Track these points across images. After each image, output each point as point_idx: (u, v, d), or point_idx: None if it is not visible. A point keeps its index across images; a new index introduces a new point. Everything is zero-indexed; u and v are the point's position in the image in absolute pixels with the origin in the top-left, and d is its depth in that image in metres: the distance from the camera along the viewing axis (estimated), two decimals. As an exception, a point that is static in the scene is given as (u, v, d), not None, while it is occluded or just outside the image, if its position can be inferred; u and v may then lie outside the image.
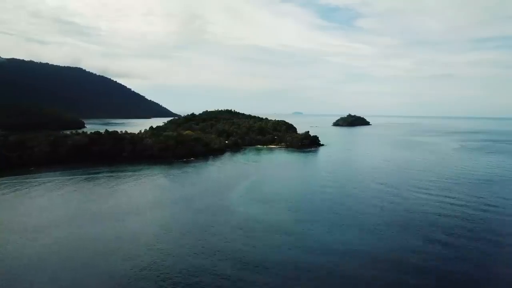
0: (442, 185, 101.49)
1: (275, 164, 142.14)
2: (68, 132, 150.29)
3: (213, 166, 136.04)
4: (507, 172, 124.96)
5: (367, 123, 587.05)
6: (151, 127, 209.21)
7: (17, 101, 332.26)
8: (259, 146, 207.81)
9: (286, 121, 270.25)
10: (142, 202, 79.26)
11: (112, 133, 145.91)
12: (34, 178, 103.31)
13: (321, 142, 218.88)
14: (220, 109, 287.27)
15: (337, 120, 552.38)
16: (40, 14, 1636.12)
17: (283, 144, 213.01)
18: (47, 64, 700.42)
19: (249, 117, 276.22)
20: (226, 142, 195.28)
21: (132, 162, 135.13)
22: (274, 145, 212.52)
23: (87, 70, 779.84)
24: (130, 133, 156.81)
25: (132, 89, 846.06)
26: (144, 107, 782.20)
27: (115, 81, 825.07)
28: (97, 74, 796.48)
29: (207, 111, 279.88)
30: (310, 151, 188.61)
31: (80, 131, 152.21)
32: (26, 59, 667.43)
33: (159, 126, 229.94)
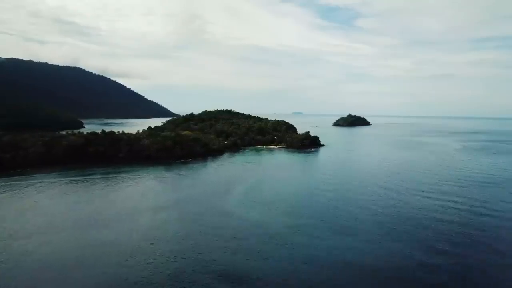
0: (445, 188, 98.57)
1: (275, 165, 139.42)
2: (63, 132, 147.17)
3: (211, 168, 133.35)
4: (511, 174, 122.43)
5: (368, 123, 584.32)
6: (149, 127, 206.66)
7: (16, 100, 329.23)
8: (258, 146, 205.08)
9: (286, 121, 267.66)
10: (136, 206, 76.47)
11: (109, 134, 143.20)
12: (28, 180, 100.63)
13: (322, 143, 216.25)
14: (219, 109, 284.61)
15: (337, 120, 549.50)
16: (39, 14, 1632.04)
17: (283, 144, 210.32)
18: (46, 63, 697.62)
19: (249, 117, 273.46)
20: (225, 142, 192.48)
21: (129, 163, 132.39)
22: (274, 145, 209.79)
23: (86, 70, 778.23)
24: (127, 133, 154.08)
25: (132, 89, 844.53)
26: (143, 107, 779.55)
27: (115, 81, 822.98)
28: (97, 74, 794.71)
29: (206, 111, 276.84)
30: (310, 152, 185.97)
31: (76, 131, 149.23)
32: (25, 58, 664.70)
33: (158, 126, 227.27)
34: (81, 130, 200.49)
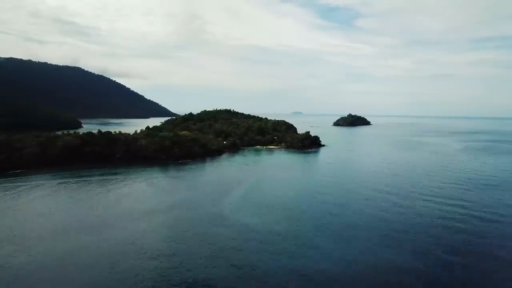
0: (448, 191, 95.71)
1: (274, 166, 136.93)
2: (59, 132, 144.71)
3: (210, 168, 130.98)
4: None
5: (368, 123, 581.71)
6: (147, 127, 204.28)
7: (15, 100, 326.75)
8: (258, 146, 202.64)
9: (286, 121, 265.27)
10: (129, 210, 73.98)
11: (105, 134, 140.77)
12: (22, 181, 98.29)
13: (322, 143, 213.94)
14: (219, 108, 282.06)
15: (338, 120, 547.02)
16: (39, 14, 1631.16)
17: (283, 144, 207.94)
18: (45, 63, 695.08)
19: (248, 117, 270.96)
20: (224, 142, 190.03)
21: (125, 164, 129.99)
22: (274, 145, 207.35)
23: (86, 69, 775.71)
24: (124, 133, 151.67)
25: (132, 89, 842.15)
26: (143, 107, 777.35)
27: (114, 81, 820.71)
28: (96, 73, 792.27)
29: (205, 110, 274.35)
30: (310, 152, 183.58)
31: (72, 131, 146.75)
32: (25, 58, 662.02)
33: (156, 126, 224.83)
34: (80, 130, 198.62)
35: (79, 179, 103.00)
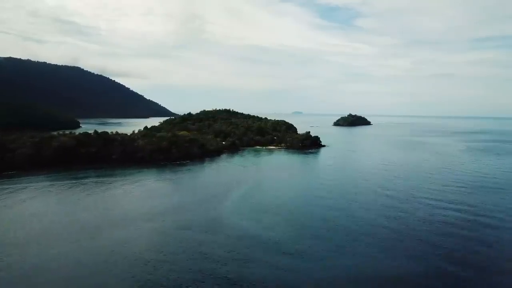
0: (452, 196, 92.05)
1: (274, 168, 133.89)
2: (55, 133, 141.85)
3: (208, 170, 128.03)
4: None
5: (368, 123, 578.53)
6: (145, 127, 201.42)
7: (14, 100, 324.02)
8: (258, 147, 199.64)
9: (286, 120, 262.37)
10: (126, 214, 71.16)
11: (101, 134, 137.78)
12: (15, 184, 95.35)
13: (323, 143, 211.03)
14: (219, 108, 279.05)
15: (338, 120, 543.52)
16: (39, 14, 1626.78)
17: (283, 145, 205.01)
18: (44, 63, 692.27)
19: (248, 116, 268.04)
20: (223, 143, 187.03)
21: (122, 165, 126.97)
22: (274, 146, 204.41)
23: (85, 69, 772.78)
24: (121, 134, 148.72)
25: (131, 89, 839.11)
26: (142, 106, 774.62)
27: (114, 81, 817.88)
28: (96, 73, 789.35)
29: (204, 110, 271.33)
30: (311, 153, 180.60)
31: (68, 131, 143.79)
32: (24, 58, 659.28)
33: (154, 126, 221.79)
34: (78, 130, 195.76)
35: (72, 181, 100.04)
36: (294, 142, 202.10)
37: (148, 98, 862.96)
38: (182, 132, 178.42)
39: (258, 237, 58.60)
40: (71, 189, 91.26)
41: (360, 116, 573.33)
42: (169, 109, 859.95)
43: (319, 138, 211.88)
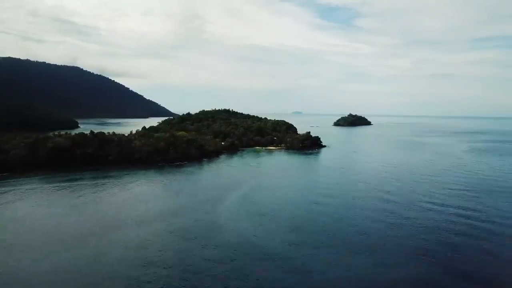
0: (453, 197, 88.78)
1: (274, 169, 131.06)
2: (50, 133, 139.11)
3: (207, 172, 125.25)
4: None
5: (368, 123, 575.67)
6: (143, 128, 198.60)
7: (13, 100, 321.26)
8: (257, 147, 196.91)
9: (286, 120, 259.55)
10: (120, 218, 68.39)
11: (98, 135, 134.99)
12: (7, 186, 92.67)
13: (323, 143, 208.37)
14: (218, 108, 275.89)
15: (338, 120, 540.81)
16: (38, 13, 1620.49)
17: (283, 145, 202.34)
18: (43, 63, 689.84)
19: (248, 116, 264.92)
20: (223, 143, 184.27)
21: (118, 166, 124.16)
22: (274, 146, 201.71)
23: (84, 69, 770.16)
24: (118, 134, 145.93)
25: (131, 89, 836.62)
26: (142, 106, 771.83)
27: (113, 80, 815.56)
28: (95, 73, 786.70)
29: (203, 110, 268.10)
30: (311, 153, 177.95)
31: (64, 132, 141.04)
32: (23, 58, 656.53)
33: (152, 126, 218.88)
34: (76, 130, 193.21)
35: (67, 184, 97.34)
36: (294, 142, 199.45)
37: (147, 98, 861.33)
38: (180, 133, 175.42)
39: (255, 242, 55.92)
40: (61, 191, 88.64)
41: (360, 116, 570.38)
42: (169, 109, 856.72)
43: (319, 138, 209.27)
